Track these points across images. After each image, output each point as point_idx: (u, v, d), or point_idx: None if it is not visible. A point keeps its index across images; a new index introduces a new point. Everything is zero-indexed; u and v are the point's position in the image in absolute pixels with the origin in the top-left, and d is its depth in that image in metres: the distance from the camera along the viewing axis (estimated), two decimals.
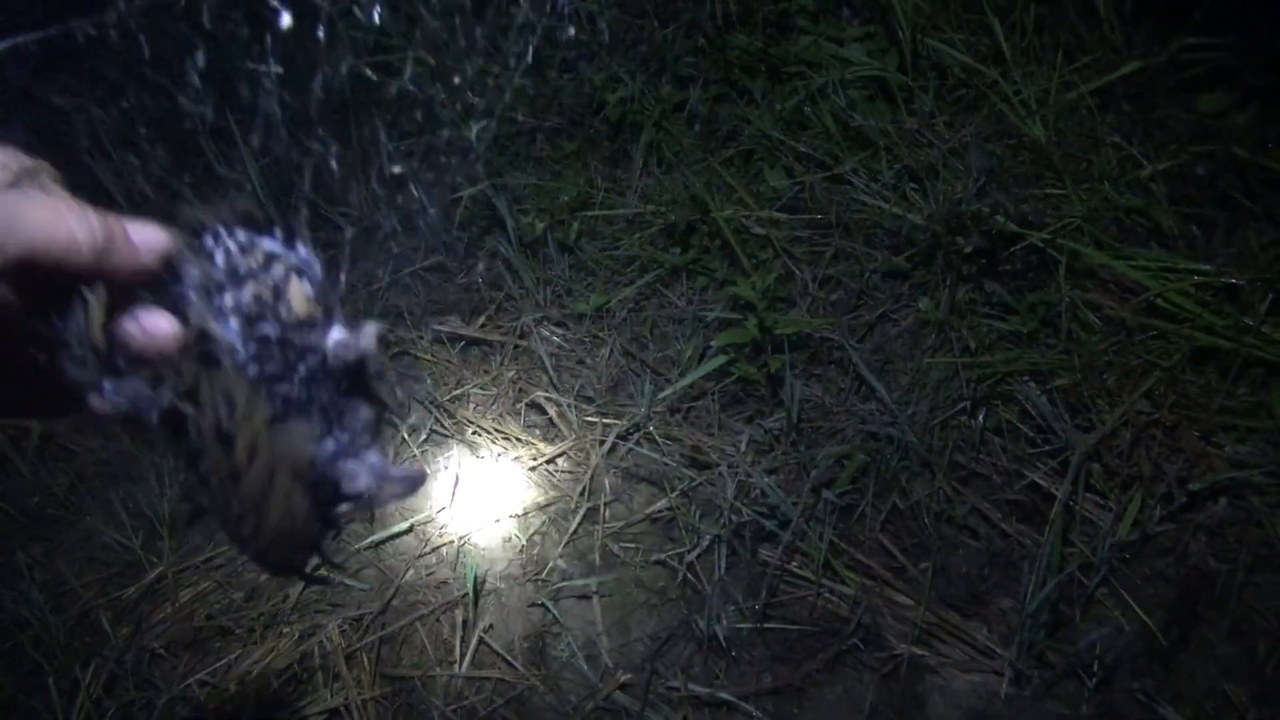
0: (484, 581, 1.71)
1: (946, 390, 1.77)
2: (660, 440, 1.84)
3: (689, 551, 1.69)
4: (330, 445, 0.59)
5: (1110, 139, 1.92)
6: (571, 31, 2.28)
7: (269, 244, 0.61)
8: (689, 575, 1.68)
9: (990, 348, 1.78)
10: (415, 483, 0.63)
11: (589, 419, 1.90)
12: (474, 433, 1.92)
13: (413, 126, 2.25)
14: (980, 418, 1.74)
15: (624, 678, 1.56)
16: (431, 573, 1.74)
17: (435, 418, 1.94)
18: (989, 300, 1.83)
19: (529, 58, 2.27)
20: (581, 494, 1.80)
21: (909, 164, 1.98)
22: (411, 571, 1.74)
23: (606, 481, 1.82)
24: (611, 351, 1.99)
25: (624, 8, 2.25)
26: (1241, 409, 1.63)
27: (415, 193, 2.21)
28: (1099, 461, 1.65)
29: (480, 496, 1.83)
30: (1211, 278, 1.69)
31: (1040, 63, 2.05)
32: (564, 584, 1.70)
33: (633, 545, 1.74)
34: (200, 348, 0.57)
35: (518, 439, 1.90)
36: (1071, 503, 1.63)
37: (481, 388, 1.99)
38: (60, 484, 1.89)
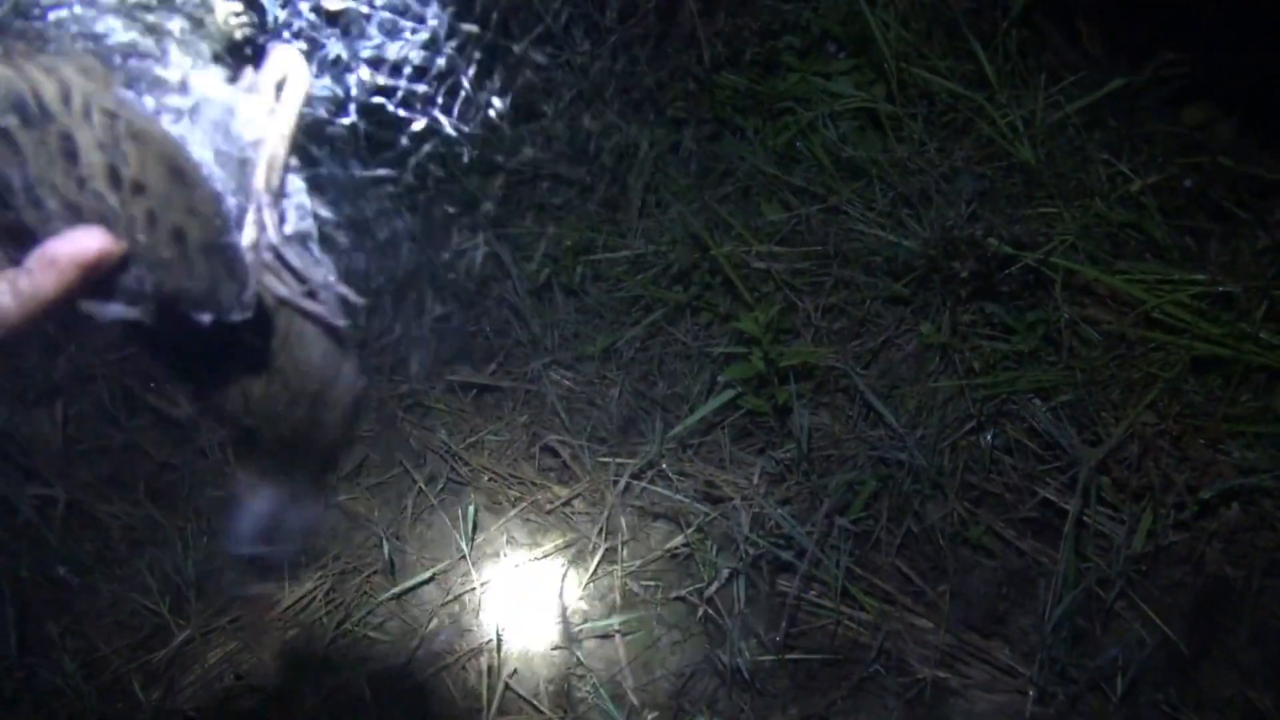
0: (506, 627, 1.73)
1: (953, 412, 1.79)
2: (674, 477, 1.86)
3: (708, 586, 1.71)
4: None
5: (1099, 156, 1.95)
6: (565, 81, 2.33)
7: None
8: (709, 610, 1.69)
9: (993, 368, 1.81)
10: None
11: (602, 459, 1.93)
12: (489, 479, 1.95)
13: (414, 180, 2.31)
14: (989, 437, 1.76)
15: (650, 716, 1.57)
16: (454, 621, 1.76)
17: (451, 466, 1.97)
18: (989, 321, 1.86)
19: (526, 108, 2.32)
20: (599, 534, 1.83)
21: (902, 191, 2.02)
22: (435, 621, 1.77)
23: (623, 521, 1.84)
24: (621, 391, 2.02)
25: (615, 57, 2.31)
26: (1246, 415, 1.64)
27: (421, 246, 2.25)
28: (1108, 475, 1.66)
29: (499, 542, 1.86)
30: (1207, 287, 1.71)
31: (1026, 85, 2.09)
32: (586, 625, 1.72)
33: (652, 583, 1.76)
34: None
35: (533, 483, 1.93)
36: (1085, 517, 1.64)
37: (495, 434, 2.02)
38: (87, 552, 1.92)
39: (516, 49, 2.25)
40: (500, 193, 2.32)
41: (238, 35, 0.65)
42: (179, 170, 0.59)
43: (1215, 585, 1.59)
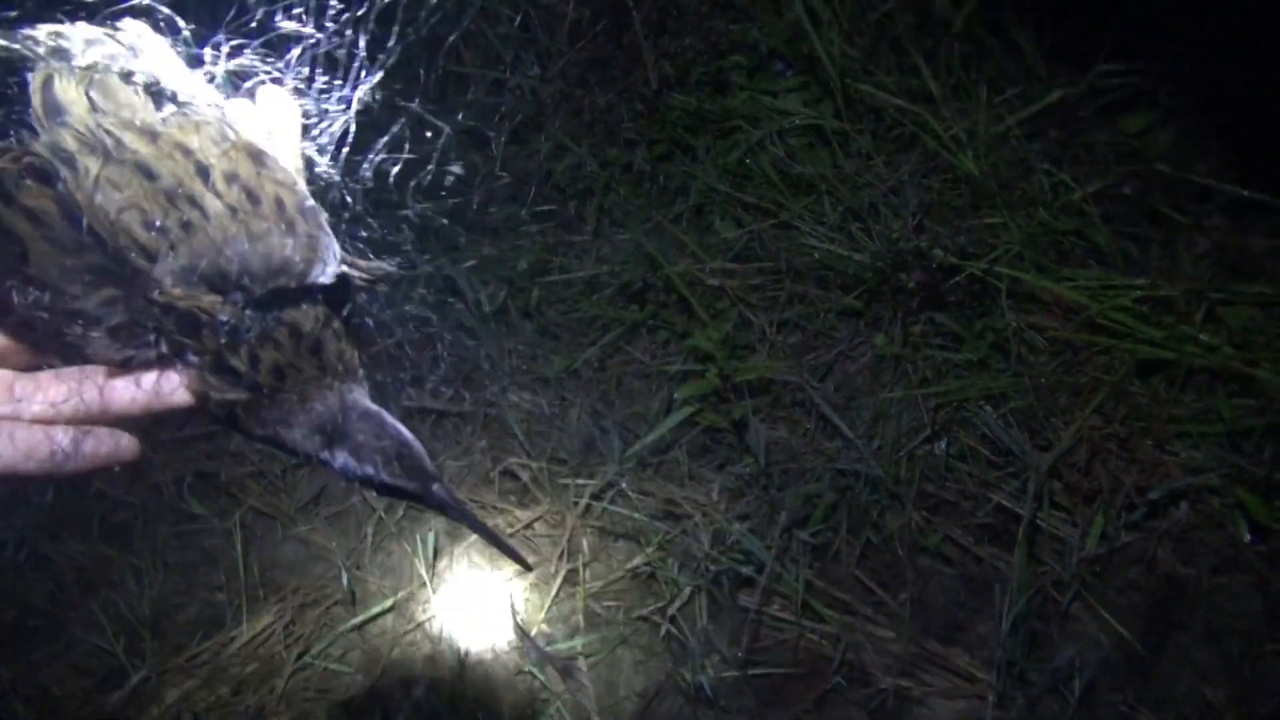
0: (469, 654, 1.72)
1: (908, 421, 1.81)
2: (634, 496, 1.86)
3: (670, 604, 1.71)
4: None
5: (1041, 166, 1.99)
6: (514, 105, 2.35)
7: None
8: (672, 628, 1.69)
9: (945, 377, 1.83)
10: None
11: (563, 481, 1.93)
12: None
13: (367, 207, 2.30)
14: (943, 446, 1.78)
15: None
16: (417, 650, 1.75)
17: None
18: (939, 331, 1.88)
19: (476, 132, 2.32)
20: (560, 557, 1.82)
21: (851, 205, 2.05)
22: (397, 650, 1.75)
23: (584, 542, 1.84)
24: (580, 412, 2.02)
25: (564, 79, 2.32)
26: (1190, 415, 1.68)
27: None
28: (1059, 479, 1.69)
29: (460, 569, 1.84)
30: (1148, 292, 1.75)
31: (968, 98, 2.13)
32: (550, 648, 1.71)
33: (615, 603, 1.76)
34: None
35: (494, 507, 1.92)
36: (1038, 521, 1.67)
37: (455, 459, 2.01)
38: (39, 595, 1.88)
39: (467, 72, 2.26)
40: (453, 216, 2.31)
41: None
42: (257, 153, 0.67)
43: (1167, 584, 1.61)
